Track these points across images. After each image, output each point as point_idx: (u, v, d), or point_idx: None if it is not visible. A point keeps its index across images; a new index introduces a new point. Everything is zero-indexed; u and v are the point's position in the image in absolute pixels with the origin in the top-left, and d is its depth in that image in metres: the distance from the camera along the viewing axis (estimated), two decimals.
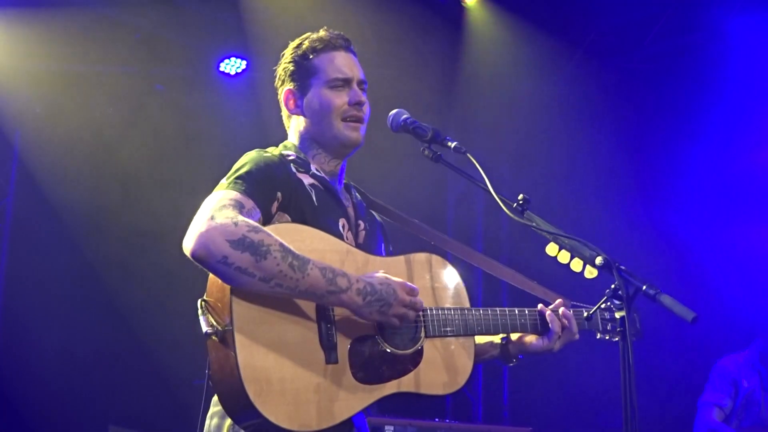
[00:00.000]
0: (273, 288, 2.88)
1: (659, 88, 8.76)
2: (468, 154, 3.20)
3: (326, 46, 3.39)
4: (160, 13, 8.50)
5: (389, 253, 3.58)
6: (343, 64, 3.39)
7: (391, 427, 6.20)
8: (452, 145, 3.24)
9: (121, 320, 9.21)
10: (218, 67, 9.17)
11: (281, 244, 2.89)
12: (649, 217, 8.59)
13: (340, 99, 3.34)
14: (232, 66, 9.14)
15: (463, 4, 8.58)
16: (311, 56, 3.38)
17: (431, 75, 8.82)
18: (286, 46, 3.50)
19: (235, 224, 2.85)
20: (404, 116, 3.35)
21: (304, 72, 3.39)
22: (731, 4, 7.92)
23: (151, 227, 9.32)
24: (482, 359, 3.61)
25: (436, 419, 6.65)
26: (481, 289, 9.34)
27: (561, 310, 3.49)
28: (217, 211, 2.89)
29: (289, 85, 3.42)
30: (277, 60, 3.50)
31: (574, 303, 3.56)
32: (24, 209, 9.19)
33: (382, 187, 3.60)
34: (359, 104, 3.36)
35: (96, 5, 8.31)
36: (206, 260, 2.84)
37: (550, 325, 3.46)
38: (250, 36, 8.75)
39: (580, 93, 8.89)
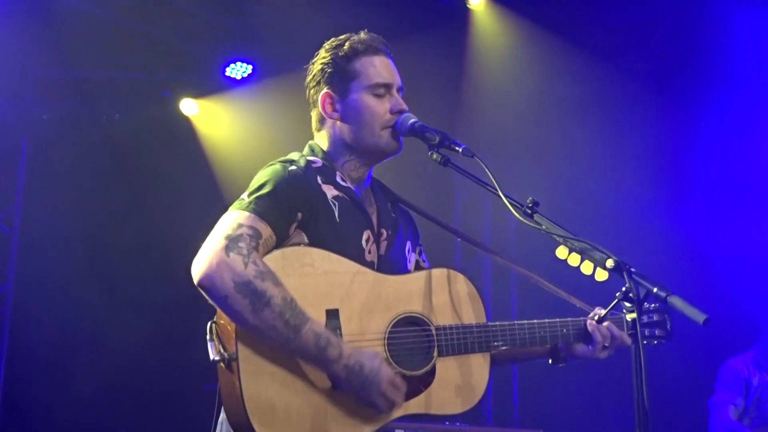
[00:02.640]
0: (263, 338, 2.89)
1: (666, 87, 8.75)
2: (476, 158, 3.16)
3: (368, 48, 3.31)
4: (165, 18, 8.50)
5: (419, 250, 3.55)
6: (384, 68, 3.32)
7: (401, 431, 6.17)
8: (460, 148, 3.20)
9: (131, 325, 9.22)
10: (224, 72, 9.17)
11: (284, 298, 2.87)
12: (657, 217, 8.58)
13: (382, 106, 3.28)
14: (238, 71, 9.12)
15: (468, 5, 8.57)
16: (352, 59, 3.29)
17: (437, 78, 8.80)
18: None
19: (245, 265, 2.84)
20: (412, 120, 3.29)
21: (344, 75, 3.29)
22: (737, 2, 7.90)
23: (158, 232, 9.35)
24: (530, 358, 3.58)
25: (447, 422, 6.64)
26: (490, 287, 9.36)
27: (606, 323, 3.45)
28: (233, 240, 2.88)
29: (326, 88, 3.31)
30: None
31: (614, 313, 3.50)
32: (32, 216, 9.20)
33: None
34: (401, 113, 3.30)
35: (101, 11, 8.32)
36: (209, 292, 2.87)
37: (592, 335, 3.43)
38: (255, 41, 8.76)
39: (587, 93, 8.88)
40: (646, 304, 2.89)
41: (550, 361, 3.57)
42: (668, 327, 3.58)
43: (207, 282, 2.84)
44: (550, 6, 8.36)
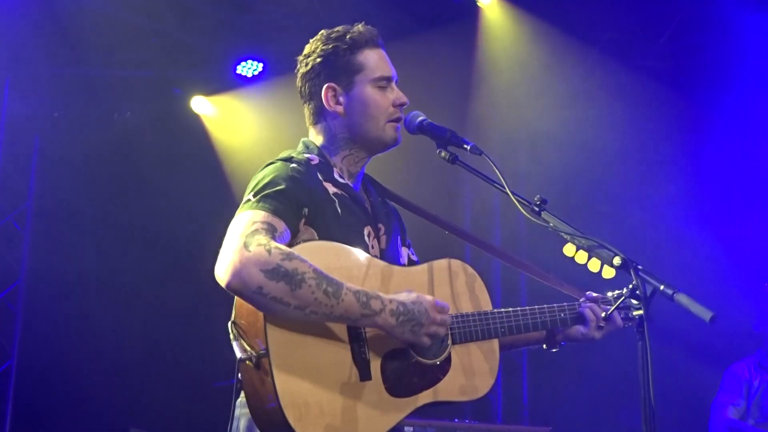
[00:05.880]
0: (308, 315, 2.87)
1: (675, 85, 8.74)
2: (484, 155, 3.18)
3: (368, 41, 3.30)
4: (176, 16, 8.52)
5: (407, 245, 3.56)
6: (386, 61, 3.33)
7: (411, 428, 6.19)
8: (468, 146, 3.23)
9: (142, 323, 9.25)
10: (235, 69, 9.18)
11: (315, 270, 2.87)
12: (664, 216, 8.58)
13: (385, 100, 3.28)
14: (249, 68, 9.14)
15: (478, 3, 8.58)
16: (355, 51, 3.28)
17: (447, 76, 8.81)
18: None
19: (269, 252, 2.82)
20: (420, 118, 3.31)
21: (348, 67, 3.27)
22: (746, 2, 7.89)
23: (169, 230, 9.37)
24: (527, 344, 3.64)
25: (456, 419, 6.65)
26: (500, 278, 9.38)
27: (600, 306, 3.50)
28: (250, 236, 2.86)
29: (329, 81, 3.28)
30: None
31: (604, 297, 3.56)
32: (43, 213, 9.24)
33: (398, 190, 3.57)
34: (403, 105, 3.32)
35: (112, 9, 8.34)
36: (241, 291, 2.83)
37: (585, 315, 3.47)
38: (266, 38, 8.77)
39: (596, 91, 8.87)
40: (635, 301, 2.90)
41: (544, 346, 3.61)
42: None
43: (236, 282, 2.82)
44: (559, 4, 8.36)
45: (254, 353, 2.91)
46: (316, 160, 3.26)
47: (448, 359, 3.20)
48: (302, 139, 3.39)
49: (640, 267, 2.91)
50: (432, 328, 3.05)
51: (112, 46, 8.62)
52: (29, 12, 8.16)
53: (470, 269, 3.35)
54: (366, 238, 3.25)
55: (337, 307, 2.88)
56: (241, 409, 3.07)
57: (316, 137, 3.36)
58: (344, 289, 2.90)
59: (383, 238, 3.33)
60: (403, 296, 3.04)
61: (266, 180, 3.08)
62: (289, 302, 2.83)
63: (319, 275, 2.87)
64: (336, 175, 3.27)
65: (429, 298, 3.07)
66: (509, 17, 8.60)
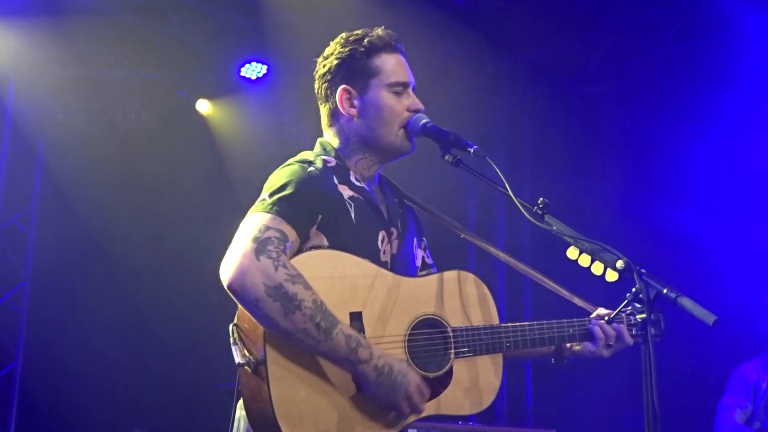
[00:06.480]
0: (293, 341, 2.89)
1: (680, 87, 8.72)
2: (487, 158, 3.17)
3: (386, 46, 3.31)
4: (180, 18, 8.53)
5: (422, 246, 3.56)
6: (404, 67, 3.34)
7: (414, 430, 6.18)
8: (472, 149, 3.22)
9: (146, 324, 9.25)
10: (239, 72, 9.19)
11: (314, 301, 2.87)
12: (669, 218, 8.56)
13: (400, 105, 3.29)
14: (253, 71, 9.14)
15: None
16: (372, 55, 3.28)
17: (450, 78, 8.81)
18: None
19: (276, 268, 2.83)
20: (424, 121, 3.30)
21: (364, 71, 3.28)
22: (752, 3, 7.88)
23: (173, 232, 9.38)
24: (534, 357, 3.63)
25: (459, 422, 6.65)
26: (503, 282, 9.38)
27: (612, 323, 3.48)
28: (261, 243, 2.87)
29: (345, 83, 3.29)
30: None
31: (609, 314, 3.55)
32: (48, 216, 9.25)
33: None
34: (417, 112, 3.31)
35: (117, 11, 8.35)
36: (240, 295, 2.85)
37: (594, 333, 3.45)
38: (270, 41, 8.77)
39: (600, 94, 8.87)
40: (638, 305, 2.90)
41: (552, 360, 3.59)
42: (662, 326, 3.57)
43: (238, 286, 2.83)
44: (564, 6, 8.35)
45: (253, 359, 2.92)
46: (332, 162, 3.27)
47: (450, 372, 3.20)
48: (319, 140, 3.39)
49: (643, 271, 2.91)
50: (403, 403, 3.02)
51: (116, 48, 8.63)
52: (34, 14, 8.17)
53: (479, 281, 3.35)
54: (379, 243, 3.24)
55: (324, 343, 2.89)
56: (241, 412, 3.08)
57: (332, 139, 3.36)
58: (337, 329, 2.90)
59: (395, 243, 3.32)
60: (396, 360, 3.03)
61: (282, 183, 3.07)
62: (279, 323, 2.85)
63: (317, 307, 2.88)
64: (352, 178, 3.27)
65: (417, 377, 3.06)
66: (512, 19, 8.58)
